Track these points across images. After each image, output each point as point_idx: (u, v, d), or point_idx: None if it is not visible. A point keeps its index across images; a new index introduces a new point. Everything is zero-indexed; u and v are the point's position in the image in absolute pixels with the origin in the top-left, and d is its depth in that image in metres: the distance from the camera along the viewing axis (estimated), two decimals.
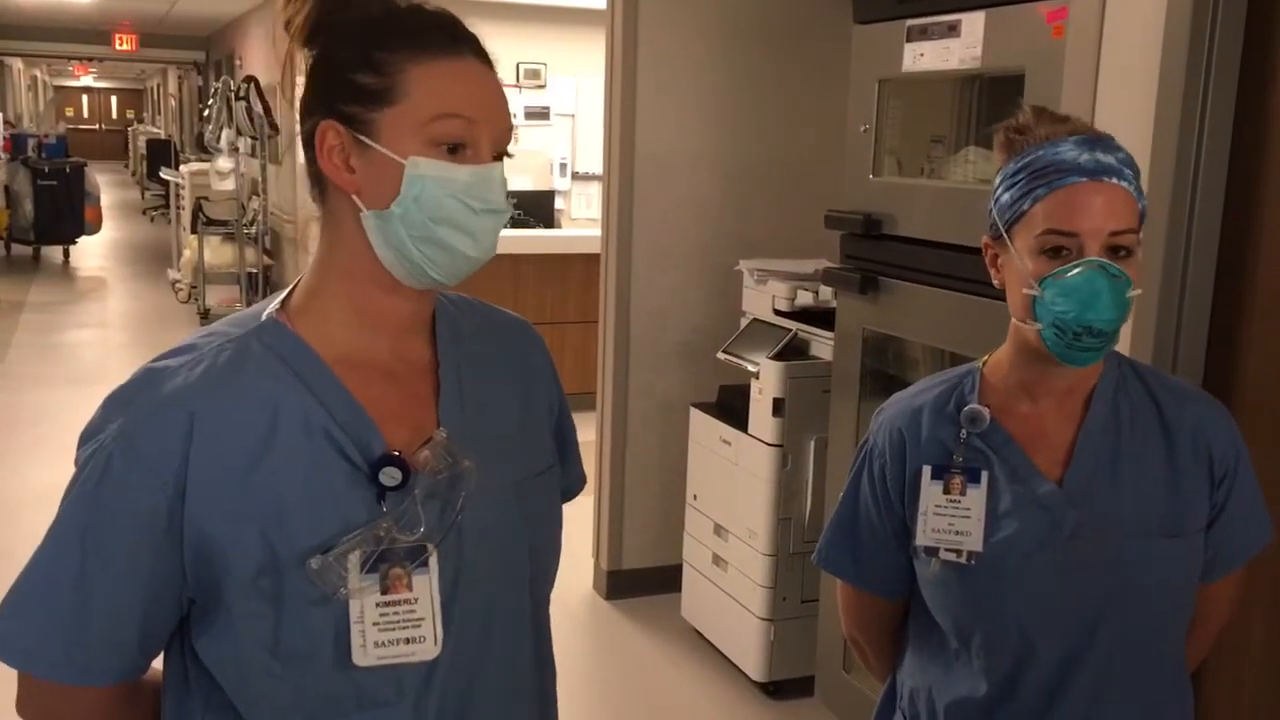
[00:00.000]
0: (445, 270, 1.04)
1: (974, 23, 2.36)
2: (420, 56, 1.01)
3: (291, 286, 1.10)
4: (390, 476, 1.01)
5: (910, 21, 2.54)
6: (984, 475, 1.34)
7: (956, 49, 2.41)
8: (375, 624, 0.99)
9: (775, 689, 3.29)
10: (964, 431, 1.36)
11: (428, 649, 1.02)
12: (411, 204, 1.01)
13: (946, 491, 1.35)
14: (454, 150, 1.02)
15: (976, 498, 1.33)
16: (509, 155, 1.07)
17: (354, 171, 1.02)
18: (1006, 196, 1.30)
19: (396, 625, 1.00)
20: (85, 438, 1.01)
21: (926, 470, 1.36)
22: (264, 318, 1.07)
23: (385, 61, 1.01)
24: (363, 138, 1.01)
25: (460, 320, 1.17)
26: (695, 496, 3.58)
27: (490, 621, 1.08)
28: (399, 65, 1.01)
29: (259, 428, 1.00)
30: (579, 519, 3.95)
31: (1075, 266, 1.23)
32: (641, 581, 3.96)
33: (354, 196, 1.03)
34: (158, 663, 1.07)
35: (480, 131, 1.03)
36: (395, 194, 1.01)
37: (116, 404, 1.01)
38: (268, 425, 1.00)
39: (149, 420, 0.99)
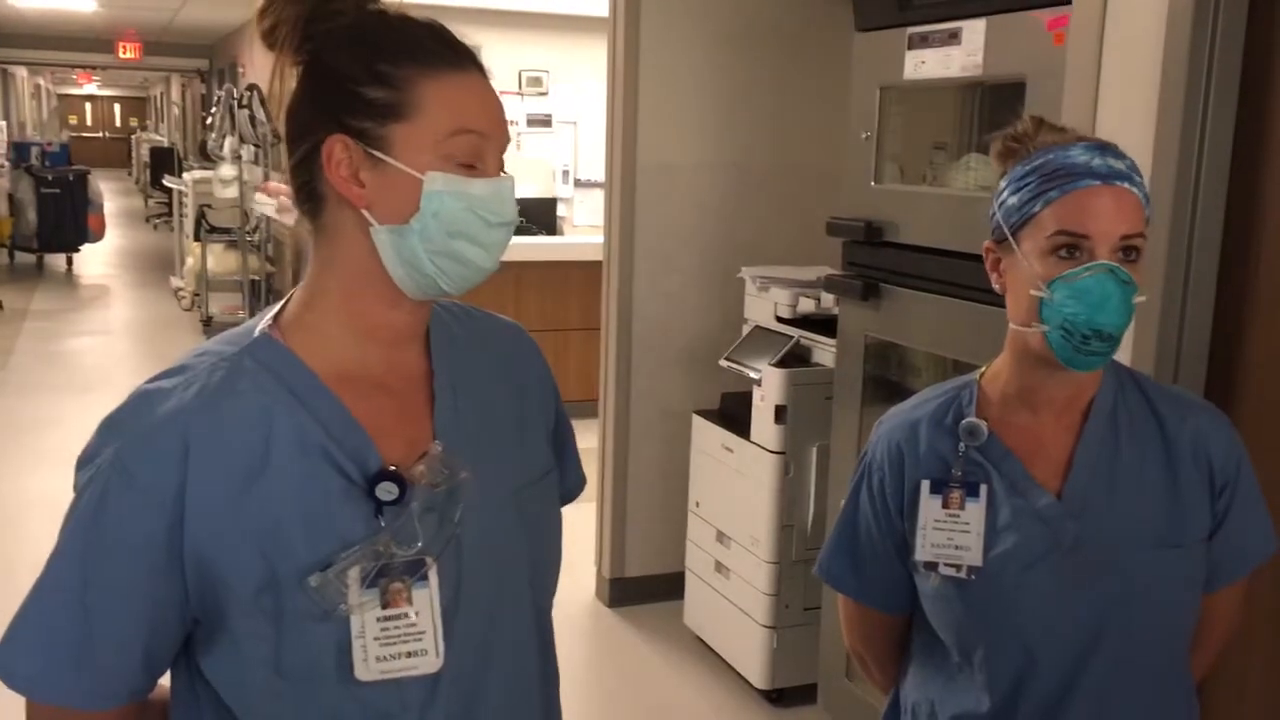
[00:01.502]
0: (456, 283, 1.04)
1: (975, 30, 2.36)
2: (429, 71, 1.01)
3: (284, 301, 1.10)
4: (387, 491, 1.01)
5: (911, 29, 2.54)
6: (983, 489, 1.33)
7: (958, 56, 2.41)
8: (376, 639, 0.99)
9: (778, 696, 3.29)
10: (962, 445, 1.36)
11: (429, 662, 1.01)
12: (431, 219, 1.01)
13: (945, 505, 1.34)
14: (469, 164, 1.02)
15: (975, 512, 1.33)
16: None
17: (364, 186, 1.01)
18: (1014, 199, 1.29)
19: (398, 639, 1.00)
20: (82, 463, 1.01)
21: (925, 485, 1.36)
22: (256, 334, 1.06)
23: (394, 76, 1.00)
24: (376, 153, 1.00)
25: (453, 327, 1.16)
26: (697, 504, 3.58)
27: (492, 633, 1.08)
28: (410, 80, 1.00)
29: (255, 447, 1.00)
30: (581, 527, 3.97)
31: (1086, 269, 1.23)
32: (644, 589, 3.95)
33: (364, 211, 1.02)
34: (165, 679, 1.06)
35: (489, 145, 1.03)
36: (411, 208, 1.01)
37: (111, 428, 1.00)
38: (263, 444, 1.00)
39: (144, 445, 0.98)
